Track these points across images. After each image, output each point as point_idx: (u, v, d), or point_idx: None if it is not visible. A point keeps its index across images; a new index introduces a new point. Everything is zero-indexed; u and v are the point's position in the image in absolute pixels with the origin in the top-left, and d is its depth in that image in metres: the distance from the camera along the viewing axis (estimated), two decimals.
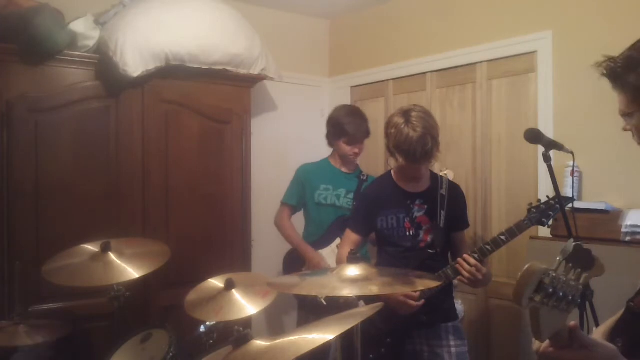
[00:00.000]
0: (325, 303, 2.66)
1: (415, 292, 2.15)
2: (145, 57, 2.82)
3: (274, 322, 3.60)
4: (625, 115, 1.19)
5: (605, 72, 1.17)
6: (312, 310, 2.83)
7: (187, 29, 2.96)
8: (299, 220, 3.21)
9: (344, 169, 3.12)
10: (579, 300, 0.95)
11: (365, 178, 3.10)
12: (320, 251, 3.00)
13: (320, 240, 3.04)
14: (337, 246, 2.93)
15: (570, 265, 0.98)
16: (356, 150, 3.05)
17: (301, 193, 3.14)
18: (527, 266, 0.93)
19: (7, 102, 2.62)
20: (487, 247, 2.13)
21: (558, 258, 1.03)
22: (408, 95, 3.62)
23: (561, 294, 0.93)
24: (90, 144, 2.83)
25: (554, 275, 0.93)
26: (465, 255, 2.14)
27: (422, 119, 2.18)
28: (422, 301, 2.17)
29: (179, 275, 2.78)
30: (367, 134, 3.08)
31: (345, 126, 3.00)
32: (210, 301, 2.16)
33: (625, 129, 1.22)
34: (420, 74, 3.55)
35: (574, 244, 1.10)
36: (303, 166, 3.21)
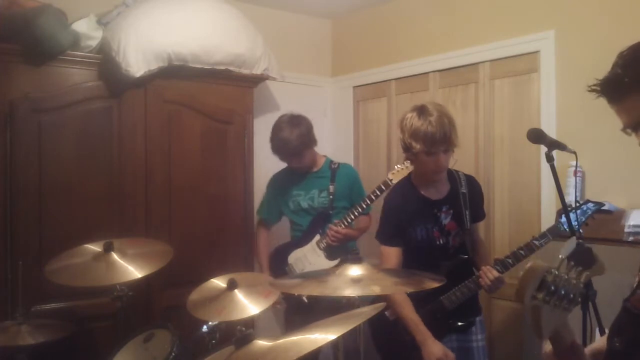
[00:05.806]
0: (306, 301, 2.64)
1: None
2: (147, 57, 2.82)
3: (272, 322, 3.59)
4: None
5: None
6: (295, 311, 2.82)
7: (190, 29, 2.96)
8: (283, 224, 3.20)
9: (311, 169, 3.02)
10: (580, 299, 0.95)
11: (336, 166, 3.00)
12: (301, 249, 2.95)
13: (302, 237, 2.99)
14: (317, 242, 2.90)
15: (572, 263, 0.98)
16: (293, 165, 2.95)
17: (273, 204, 3.10)
18: (529, 264, 0.93)
19: (10, 102, 2.63)
20: (521, 251, 2.15)
21: (560, 256, 1.03)
22: (410, 95, 3.61)
23: (562, 292, 0.93)
24: (93, 144, 2.83)
25: (556, 273, 0.93)
26: (487, 268, 2.17)
27: (437, 108, 2.19)
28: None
29: (181, 275, 2.78)
30: (298, 148, 2.84)
31: (272, 145, 2.91)
32: (213, 301, 2.17)
33: None
34: (423, 73, 3.54)
35: (576, 242, 1.10)
36: (272, 177, 3.15)
